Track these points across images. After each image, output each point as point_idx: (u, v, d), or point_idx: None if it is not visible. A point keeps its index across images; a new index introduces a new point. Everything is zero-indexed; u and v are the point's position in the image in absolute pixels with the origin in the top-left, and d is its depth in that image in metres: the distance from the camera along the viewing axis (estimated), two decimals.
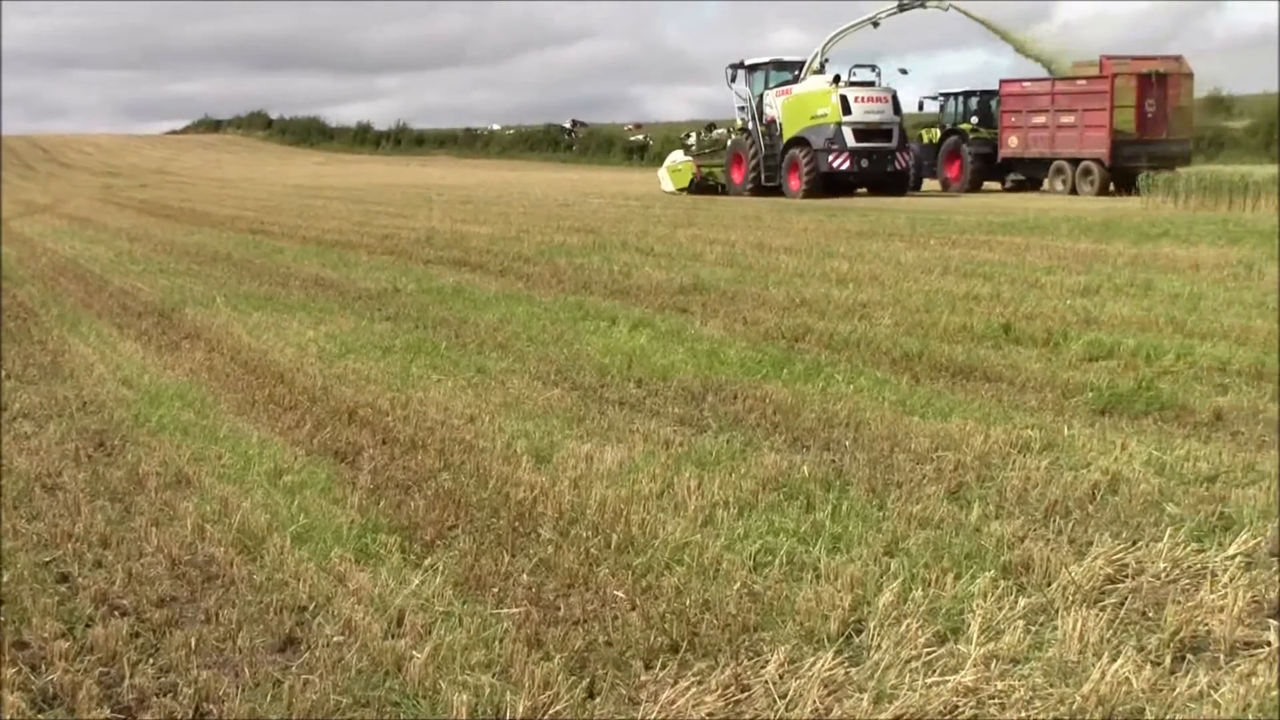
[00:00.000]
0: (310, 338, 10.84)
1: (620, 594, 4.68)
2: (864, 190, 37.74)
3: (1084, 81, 37.12)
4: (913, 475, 6.14)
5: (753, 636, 4.27)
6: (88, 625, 4.48)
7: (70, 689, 3.97)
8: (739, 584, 4.70)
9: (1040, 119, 37.71)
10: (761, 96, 39.05)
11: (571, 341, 10.42)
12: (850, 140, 36.62)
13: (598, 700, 3.89)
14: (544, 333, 10.90)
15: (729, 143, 40.84)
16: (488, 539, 5.34)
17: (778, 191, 37.54)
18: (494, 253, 18.72)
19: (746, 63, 40.13)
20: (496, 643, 4.25)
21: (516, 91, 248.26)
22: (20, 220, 31.84)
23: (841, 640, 4.22)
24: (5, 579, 4.89)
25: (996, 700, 3.75)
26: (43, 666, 4.15)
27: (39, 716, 3.86)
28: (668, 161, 43.60)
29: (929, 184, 41.00)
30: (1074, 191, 36.19)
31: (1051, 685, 3.81)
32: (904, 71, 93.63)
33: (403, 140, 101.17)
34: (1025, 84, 39.11)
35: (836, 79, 37.66)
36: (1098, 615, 4.29)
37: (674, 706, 3.79)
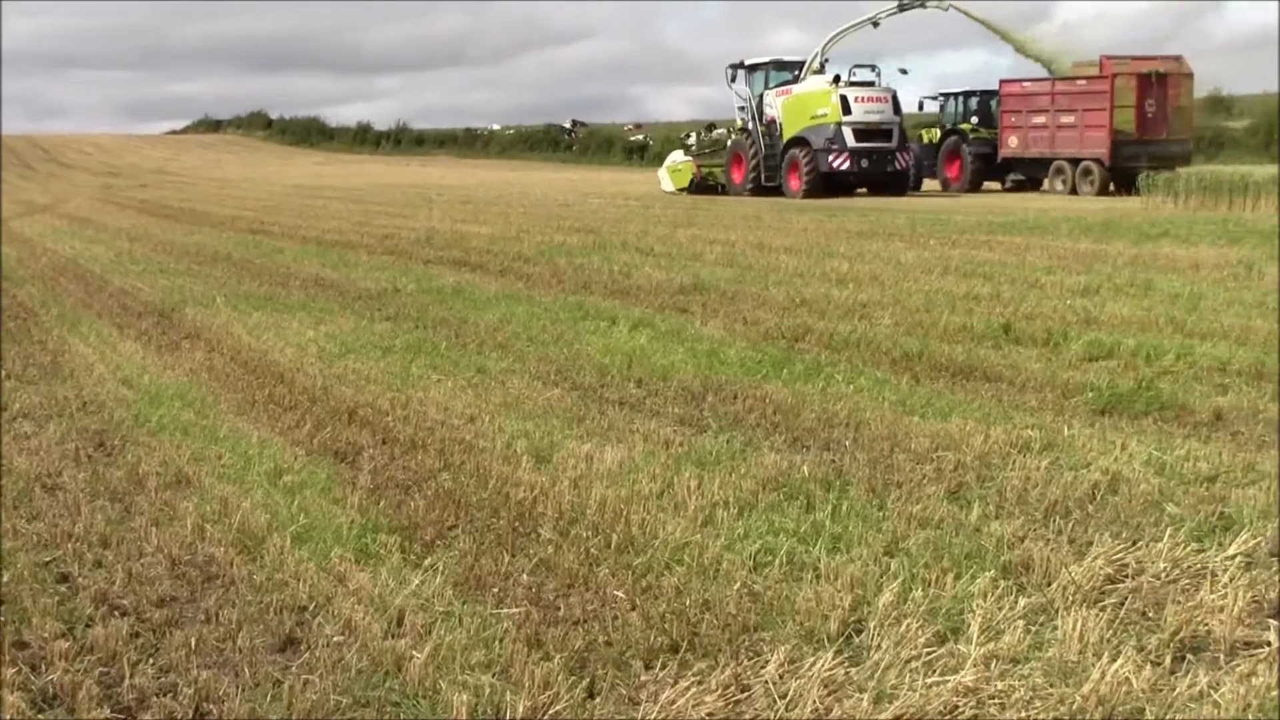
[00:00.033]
0: (310, 338, 10.84)
1: (620, 594, 4.68)
2: (864, 190, 37.76)
3: (1084, 81, 37.15)
4: (913, 475, 6.14)
5: (753, 636, 4.27)
6: (88, 625, 4.48)
7: (70, 689, 3.97)
8: (739, 584, 4.70)
9: (1040, 119, 37.73)
10: (761, 96, 39.05)
11: (571, 341, 10.42)
12: (850, 140, 36.63)
13: (598, 700, 3.89)
14: (544, 333, 10.90)
15: (729, 143, 40.85)
16: (488, 539, 5.34)
17: (777, 191, 37.55)
18: (494, 253, 18.73)
19: (746, 63, 40.14)
20: (496, 643, 4.25)
21: (516, 91, 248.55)
22: (20, 220, 31.84)
23: (841, 640, 4.22)
24: (5, 579, 4.89)
25: (996, 700, 3.75)
26: (43, 666, 4.15)
27: (39, 716, 3.86)
28: (667, 161, 43.61)
29: (929, 184, 41.01)
30: (1074, 191, 36.21)
31: (1051, 685, 3.81)
32: (904, 71, 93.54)
33: (403, 140, 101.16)
34: (1025, 84, 39.13)
35: (836, 79, 37.67)
36: (1098, 615, 4.29)
37: (674, 706, 3.79)
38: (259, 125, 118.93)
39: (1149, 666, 3.91)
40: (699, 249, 18.52)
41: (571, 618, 4.49)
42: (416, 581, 4.80)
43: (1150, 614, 4.40)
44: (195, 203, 38.44)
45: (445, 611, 4.53)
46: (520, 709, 3.78)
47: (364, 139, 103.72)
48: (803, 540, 5.16)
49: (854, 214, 27.35)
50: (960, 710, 3.71)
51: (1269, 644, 4.09)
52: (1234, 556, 4.81)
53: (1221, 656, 4.06)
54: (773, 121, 38.45)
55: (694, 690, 3.85)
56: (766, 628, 4.34)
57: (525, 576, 4.89)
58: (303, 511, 5.75)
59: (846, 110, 36.66)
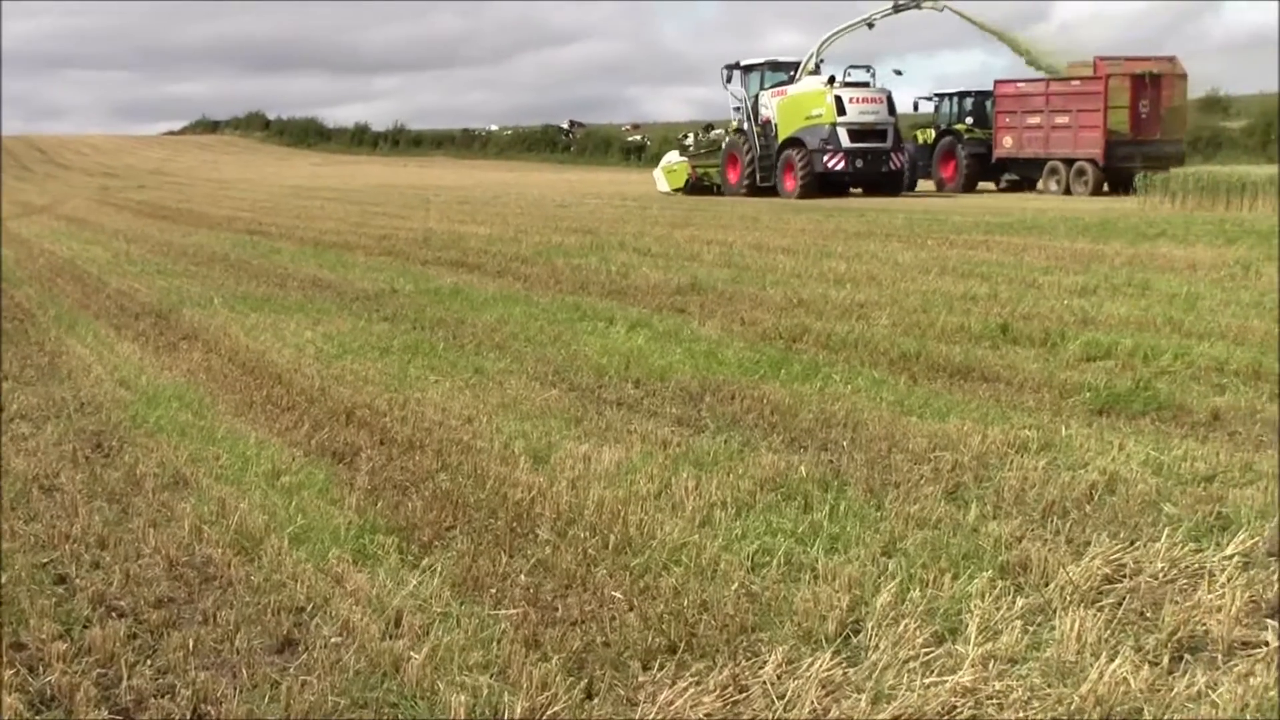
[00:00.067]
0: (308, 338, 10.84)
1: (618, 594, 4.68)
2: (859, 190, 37.79)
3: (1078, 82, 37.22)
4: (910, 475, 6.14)
5: (750, 637, 4.27)
6: (85, 626, 4.48)
7: (68, 690, 3.97)
8: (737, 584, 4.70)
9: (1035, 119, 37.79)
10: (757, 97, 39.08)
11: (569, 342, 10.42)
12: (845, 141, 36.68)
13: (595, 701, 3.89)
14: (541, 333, 10.90)
15: (724, 143, 40.87)
16: (485, 540, 5.34)
17: (773, 192, 37.57)
18: (491, 253, 18.72)
19: (742, 63, 40.14)
20: (494, 643, 4.25)
21: (514, 92, 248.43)
22: (18, 221, 31.80)
23: (839, 640, 4.22)
24: (3, 580, 4.89)
25: (994, 700, 3.75)
26: (40, 668, 4.15)
27: (37, 718, 3.86)
28: (663, 162, 43.64)
29: (924, 184, 41.05)
30: (1068, 192, 36.27)
31: (1049, 685, 3.82)
32: (899, 72, 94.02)
33: (400, 141, 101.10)
34: (1020, 84, 39.17)
35: (831, 80, 37.71)
36: (1095, 615, 4.29)
37: (672, 707, 3.79)
38: (256, 126, 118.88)
39: (1147, 666, 3.92)
40: (696, 249, 18.52)
41: (569, 618, 4.49)
42: (414, 582, 4.79)
43: (1148, 614, 4.40)
44: (193, 203, 38.41)
45: (443, 612, 4.52)
46: (518, 710, 3.78)
47: (361, 140, 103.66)
48: (800, 540, 5.16)
49: (851, 214, 27.36)
50: (958, 710, 3.71)
51: (1267, 644, 4.09)
52: (1232, 556, 4.81)
53: (1219, 656, 4.06)
54: (768, 122, 38.48)
55: (692, 691, 3.85)
56: (764, 628, 4.34)
57: (523, 577, 4.89)
58: (300, 512, 5.74)
59: (841, 111, 36.71)
